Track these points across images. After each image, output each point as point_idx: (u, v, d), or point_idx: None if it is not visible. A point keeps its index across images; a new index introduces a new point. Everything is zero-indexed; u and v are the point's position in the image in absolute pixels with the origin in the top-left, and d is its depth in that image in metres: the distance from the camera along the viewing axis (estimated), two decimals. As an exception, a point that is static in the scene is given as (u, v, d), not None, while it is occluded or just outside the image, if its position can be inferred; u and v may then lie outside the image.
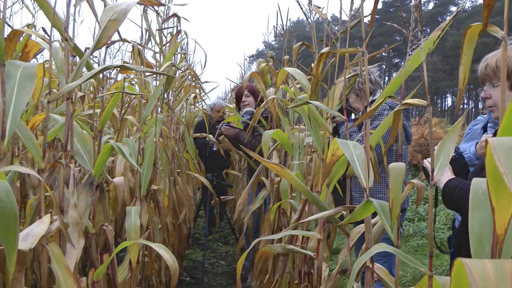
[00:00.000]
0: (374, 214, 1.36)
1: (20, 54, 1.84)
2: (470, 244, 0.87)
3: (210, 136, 4.50)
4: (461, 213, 1.91)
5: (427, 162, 1.93)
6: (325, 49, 1.88)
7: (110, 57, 3.80)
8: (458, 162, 1.94)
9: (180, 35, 3.60)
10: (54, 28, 1.64)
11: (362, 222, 1.45)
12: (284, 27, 3.25)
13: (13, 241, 0.95)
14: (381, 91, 3.07)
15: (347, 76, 1.86)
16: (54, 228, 1.35)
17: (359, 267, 1.12)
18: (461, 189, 1.69)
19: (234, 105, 4.71)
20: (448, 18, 1.27)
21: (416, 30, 1.17)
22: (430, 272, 0.98)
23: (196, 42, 4.77)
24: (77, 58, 1.80)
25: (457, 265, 0.71)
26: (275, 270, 2.53)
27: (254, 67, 6.23)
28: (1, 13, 1.33)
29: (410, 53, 1.38)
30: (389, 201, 1.11)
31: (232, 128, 4.21)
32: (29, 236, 1.20)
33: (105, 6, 2.04)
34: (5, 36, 1.46)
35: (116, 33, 1.64)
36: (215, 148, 4.66)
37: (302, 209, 2.11)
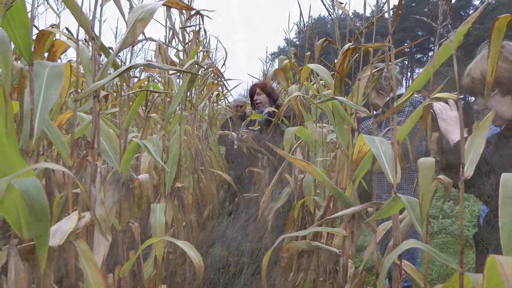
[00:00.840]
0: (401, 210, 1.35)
1: (47, 53, 1.86)
2: (501, 240, 0.85)
3: (233, 134, 4.51)
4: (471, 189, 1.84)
5: (437, 107, 1.81)
6: (350, 45, 1.87)
7: (132, 56, 3.83)
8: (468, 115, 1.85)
9: (201, 33, 3.61)
10: (78, 28, 1.66)
11: (386, 218, 1.44)
12: (306, 24, 3.24)
13: (44, 237, 0.96)
14: (401, 88, 3.04)
15: (374, 71, 1.84)
16: (82, 225, 1.36)
17: (389, 264, 1.10)
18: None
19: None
20: (477, 11, 1.25)
21: (445, 23, 1.15)
22: (461, 269, 0.96)
23: (218, 40, 4.77)
24: (103, 57, 1.82)
25: (490, 262, 0.69)
26: (300, 267, 2.53)
27: (276, 65, 6.21)
28: (30, 14, 1.35)
29: (436, 47, 1.36)
30: (418, 197, 1.09)
31: (251, 132, 4.23)
32: (58, 233, 1.22)
33: (130, 5, 2.05)
34: (33, 37, 1.48)
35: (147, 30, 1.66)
36: (236, 146, 4.67)
37: (327, 205, 2.09)
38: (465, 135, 1.72)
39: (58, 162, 2.43)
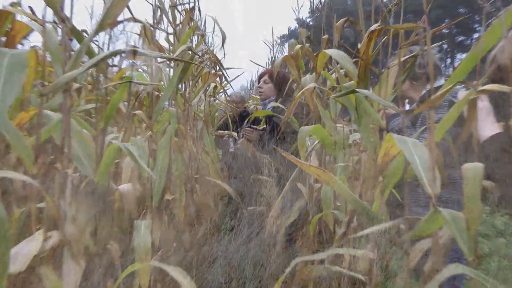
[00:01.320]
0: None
1: (4, 38, 1.84)
2: None
3: (234, 133, 4.48)
4: None
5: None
6: (376, 25, 1.84)
7: (111, 41, 3.82)
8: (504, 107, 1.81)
9: (195, 12, 3.60)
10: (45, 8, 1.65)
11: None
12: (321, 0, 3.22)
13: (3, 262, 0.94)
14: (440, 78, 3.00)
15: (402, 58, 1.81)
16: (49, 247, 1.35)
17: (429, 295, 1.08)
18: None
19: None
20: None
21: (494, -2, 1.12)
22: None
23: (215, 21, 4.74)
24: (75, 43, 1.81)
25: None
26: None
27: (286, 50, 6.19)
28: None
29: (483, 27, 1.34)
30: (464, 211, 1.07)
31: (256, 131, 4.18)
32: (19, 257, 1.20)
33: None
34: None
35: (126, 10, 1.64)
36: (232, 150, 4.63)
37: (350, 221, 2.07)
38: (500, 130, 1.70)
39: (17, 170, 2.41)
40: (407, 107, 3.09)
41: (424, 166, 1.32)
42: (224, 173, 4.76)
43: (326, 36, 3.08)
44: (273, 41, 6.51)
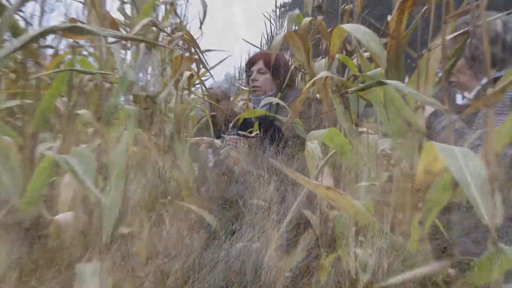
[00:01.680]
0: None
1: None
2: None
3: (217, 141, 4.47)
4: None
5: None
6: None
7: (44, 13, 3.81)
8: None
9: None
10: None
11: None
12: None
13: None
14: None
15: (450, 36, 1.82)
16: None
17: None
18: None
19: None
20: None
21: None
22: None
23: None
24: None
25: None
26: None
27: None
28: None
29: None
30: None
31: (245, 138, 4.12)
32: None
33: None
34: None
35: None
36: (212, 164, 4.61)
37: (377, 264, 2.06)
38: None
39: None
40: (459, 101, 3.04)
41: (479, 187, 1.30)
42: (201, 193, 4.76)
43: (348, 6, 3.07)
44: (280, 12, 6.50)
